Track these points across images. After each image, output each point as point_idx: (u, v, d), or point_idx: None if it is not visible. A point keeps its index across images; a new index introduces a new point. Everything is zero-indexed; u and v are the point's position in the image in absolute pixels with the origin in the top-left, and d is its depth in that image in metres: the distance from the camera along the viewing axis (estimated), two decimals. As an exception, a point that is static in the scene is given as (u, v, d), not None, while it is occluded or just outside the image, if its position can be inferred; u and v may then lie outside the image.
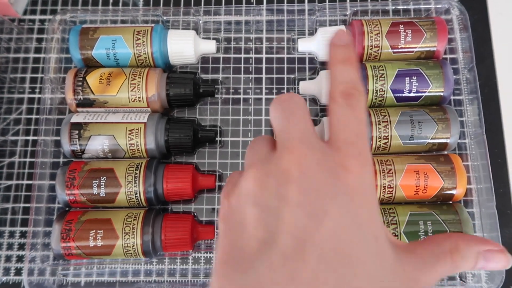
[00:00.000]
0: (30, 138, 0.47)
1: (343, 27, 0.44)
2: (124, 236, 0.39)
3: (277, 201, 0.25)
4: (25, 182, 0.46)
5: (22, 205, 0.46)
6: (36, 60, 0.49)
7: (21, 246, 0.45)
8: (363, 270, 0.23)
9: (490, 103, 0.47)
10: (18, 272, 0.44)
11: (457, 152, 0.44)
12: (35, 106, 0.48)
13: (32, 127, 0.47)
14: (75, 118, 0.42)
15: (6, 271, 0.44)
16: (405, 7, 0.46)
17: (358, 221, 0.25)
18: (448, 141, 0.41)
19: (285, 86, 0.46)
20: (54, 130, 0.44)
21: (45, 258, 0.42)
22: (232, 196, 0.27)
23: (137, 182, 0.40)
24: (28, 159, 0.47)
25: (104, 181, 0.40)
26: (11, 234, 0.45)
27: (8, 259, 0.44)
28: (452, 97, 0.45)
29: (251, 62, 0.47)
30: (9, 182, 0.46)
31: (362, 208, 0.25)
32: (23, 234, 0.45)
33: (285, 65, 0.47)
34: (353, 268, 0.23)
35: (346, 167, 0.26)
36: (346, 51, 0.33)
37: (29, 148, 0.47)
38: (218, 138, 0.45)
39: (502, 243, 0.39)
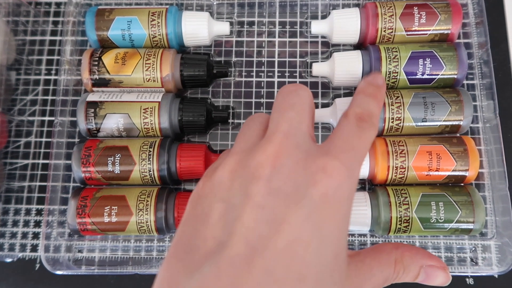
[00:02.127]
0: (46, 118, 0.48)
1: (357, 9, 0.44)
2: (138, 213, 0.40)
3: (242, 198, 0.24)
4: (41, 161, 0.47)
5: (38, 183, 0.46)
6: (52, 43, 0.50)
7: (37, 224, 0.45)
8: None
9: (504, 88, 0.47)
10: (34, 248, 0.45)
11: (469, 135, 0.44)
12: (51, 87, 0.49)
13: (48, 108, 0.48)
14: (91, 97, 0.43)
15: (23, 247, 0.45)
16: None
17: (320, 235, 0.23)
18: (461, 123, 0.41)
19: (297, 69, 0.46)
20: (70, 111, 0.45)
21: (61, 235, 0.43)
22: (208, 182, 0.27)
23: (151, 160, 0.40)
24: (44, 139, 0.47)
25: (118, 158, 0.41)
26: (27, 212, 0.46)
27: (24, 235, 0.45)
28: (465, 82, 0.45)
29: (263, 45, 0.47)
30: (26, 161, 0.47)
31: (329, 221, 0.24)
32: (39, 212, 0.46)
33: (298, 49, 0.47)
34: (301, 286, 0.22)
35: (327, 171, 0.25)
36: (376, 90, 0.34)
37: (45, 128, 0.48)
38: (230, 120, 0.46)
39: None
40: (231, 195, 0.25)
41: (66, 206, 0.42)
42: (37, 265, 0.45)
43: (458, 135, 0.42)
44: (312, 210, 0.24)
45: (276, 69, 0.47)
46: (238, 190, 0.25)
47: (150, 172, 0.41)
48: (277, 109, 0.29)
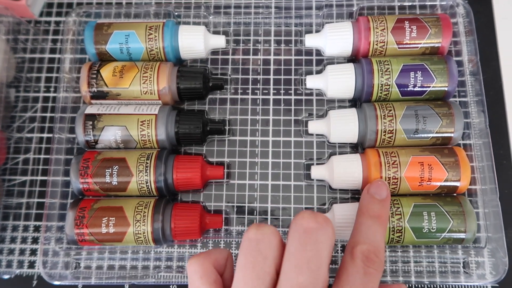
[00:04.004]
0: (45, 135, 0.48)
1: (349, 22, 0.45)
2: (135, 224, 0.40)
3: None
4: (39, 178, 0.47)
5: (36, 200, 0.47)
6: (51, 60, 0.51)
7: (35, 240, 0.46)
8: None
9: (495, 105, 0.48)
10: (31, 265, 0.45)
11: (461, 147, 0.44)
12: (50, 104, 0.49)
13: (47, 125, 0.49)
14: (89, 110, 0.43)
15: (20, 264, 0.45)
16: (411, 3, 0.48)
17: None
18: (452, 135, 0.42)
19: (293, 86, 0.47)
20: (68, 128, 0.46)
21: (59, 249, 0.43)
22: None
23: (148, 171, 0.41)
24: (42, 156, 0.48)
25: (116, 170, 0.41)
26: (25, 228, 0.46)
27: (22, 252, 0.45)
28: (457, 99, 0.46)
29: (259, 63, 0.48)
30: (24, 178, 0.47)
31: None
32: (36, 229, 0.46)
33: (293, 67, 0.48)
34: None
35: None
36: (380, 208, 0.34)
37: (44, 145, 0.48)
38: (226, 132, 0.46)
39: (506, 244, 0.40)
40: None
41: (64, 222, 0.43)
42: (35, 282, 0.45)
43: (449, 146, 0.43)
44: None
45: (271, 87, 0.48)
46: None
47: (147, 184, 0.41)
48: (295, 251, 0.28)
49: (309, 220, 0.29)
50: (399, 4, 0.48)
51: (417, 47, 0.44)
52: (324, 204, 0.44)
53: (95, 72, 0.44)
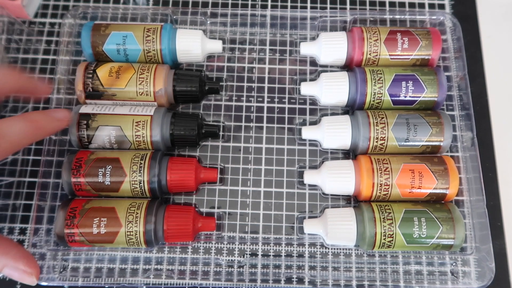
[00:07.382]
0: (34, 136, 0.48)
1: (344, 32, 0.46)
2: (127, 225, 0.40)
3: None
4: (27, 179, 0.47)
5: (23, 202, 0.46)
6: (44, 62, 0.50)
7: (20, 243, 0.45)
8: None
9: (481, 119, 0.49)
10: (16, 267, 0.44)
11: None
12: (41, 105, 0.49)
13: (37, 125, 0.48)
14: (84, 109, 0.43)
15: (4, 266, 0.44)
16: (402, 17, 0.49)
17: None
18: (441, 144, 0.43)
19: (287, 95, 0.48)
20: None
21: (46, 252, 0.42)
22: None
23: (141, 172, 0.41)
24: (31, 157, 0.47)
25: (109, 169, 0.41)
26: (11, 231, 0.45)
27: (6, 254, 0.44)
28: (446, 113, 0.47)
29: (254, 71, 0.49)
30: (11, 179, 0.46)
31: None
32: (22, 231, 0.45)
33: (287, 76, 0.49)
34: None
35: None
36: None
37: (33, 147, 0.48)
38: (221, 133, 0.47)
39: (493, 254, 0.41)
40: None
41: (52, 226, 0.42)
42: (18, 286, 0.44)
43: (438, 154, 0.44)
44: None
45: (265, 95, 0.48)
46: None
47: (140, 184, 0.41)
48: None
49: None
50: (390, 17, 0.49)
51: (408, 58, 0.45)
52: (316, 211, 0.45)
53: (91, 71, 0.44)
